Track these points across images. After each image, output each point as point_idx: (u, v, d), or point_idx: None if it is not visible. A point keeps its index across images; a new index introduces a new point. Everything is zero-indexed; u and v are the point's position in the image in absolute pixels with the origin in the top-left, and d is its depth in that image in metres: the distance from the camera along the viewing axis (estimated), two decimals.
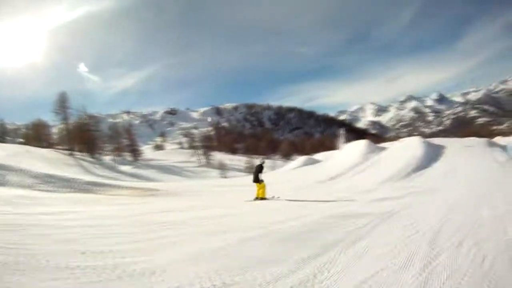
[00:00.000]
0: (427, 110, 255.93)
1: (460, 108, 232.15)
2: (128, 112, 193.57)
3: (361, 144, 20.33)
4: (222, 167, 46.52)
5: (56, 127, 44.70)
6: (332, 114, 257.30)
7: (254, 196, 8.73)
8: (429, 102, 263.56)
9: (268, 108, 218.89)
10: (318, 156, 28.96)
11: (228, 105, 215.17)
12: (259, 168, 8.83)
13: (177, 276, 2.58)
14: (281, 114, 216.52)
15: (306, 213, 6.04)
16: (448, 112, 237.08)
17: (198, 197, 11.22)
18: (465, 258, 2.99)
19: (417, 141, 18.21)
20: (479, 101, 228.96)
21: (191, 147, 63.21)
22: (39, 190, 10.34)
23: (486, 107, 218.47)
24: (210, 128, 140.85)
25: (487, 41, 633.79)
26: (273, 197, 8.89)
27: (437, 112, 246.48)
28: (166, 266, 2.84)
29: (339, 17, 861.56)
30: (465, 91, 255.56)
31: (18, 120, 73.72)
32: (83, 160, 37.66)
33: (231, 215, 6.37)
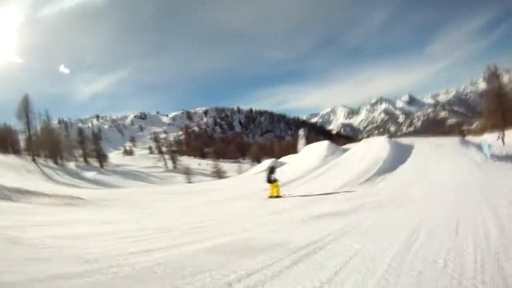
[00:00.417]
0: (398, 112, 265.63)
1: (430, 110, 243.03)
2: (98, 117, 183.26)
3: (322, 146, 18.06)
4: (188, 172, 44.19)
5: (24, 133, 42.23)
6: (303, 117, 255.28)
7: (268, 195, 9.24)
8: (400, 104, 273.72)
9: (239, 111, 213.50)
10: (284, 159, 26.82)
11: (199, 109, 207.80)
12: (271, 170, 9.56)
13: None
14: (252, 117, 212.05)
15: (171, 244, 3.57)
16: (418, 113, 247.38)
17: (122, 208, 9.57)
18: None
19: (382, 141, 16.19)
20: (449, 103, 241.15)
21: (159, 152, 60.30)
22: None
23: (456, 108, 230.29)
24: (180, 133, 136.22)
25: (455, 45, 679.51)
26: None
27: (408, 114, 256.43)
28: None
29: (310, 21, 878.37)
30: (435, 93, 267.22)
31: None
32: (46, 166, 36.14)
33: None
